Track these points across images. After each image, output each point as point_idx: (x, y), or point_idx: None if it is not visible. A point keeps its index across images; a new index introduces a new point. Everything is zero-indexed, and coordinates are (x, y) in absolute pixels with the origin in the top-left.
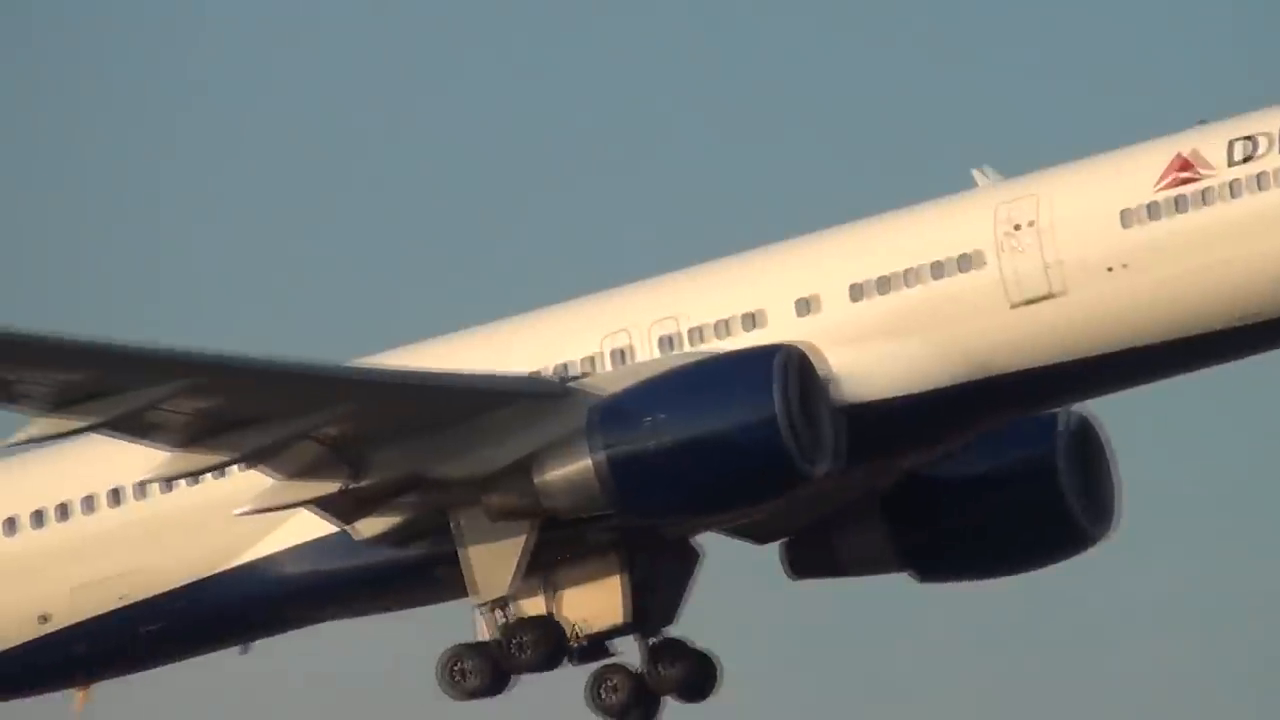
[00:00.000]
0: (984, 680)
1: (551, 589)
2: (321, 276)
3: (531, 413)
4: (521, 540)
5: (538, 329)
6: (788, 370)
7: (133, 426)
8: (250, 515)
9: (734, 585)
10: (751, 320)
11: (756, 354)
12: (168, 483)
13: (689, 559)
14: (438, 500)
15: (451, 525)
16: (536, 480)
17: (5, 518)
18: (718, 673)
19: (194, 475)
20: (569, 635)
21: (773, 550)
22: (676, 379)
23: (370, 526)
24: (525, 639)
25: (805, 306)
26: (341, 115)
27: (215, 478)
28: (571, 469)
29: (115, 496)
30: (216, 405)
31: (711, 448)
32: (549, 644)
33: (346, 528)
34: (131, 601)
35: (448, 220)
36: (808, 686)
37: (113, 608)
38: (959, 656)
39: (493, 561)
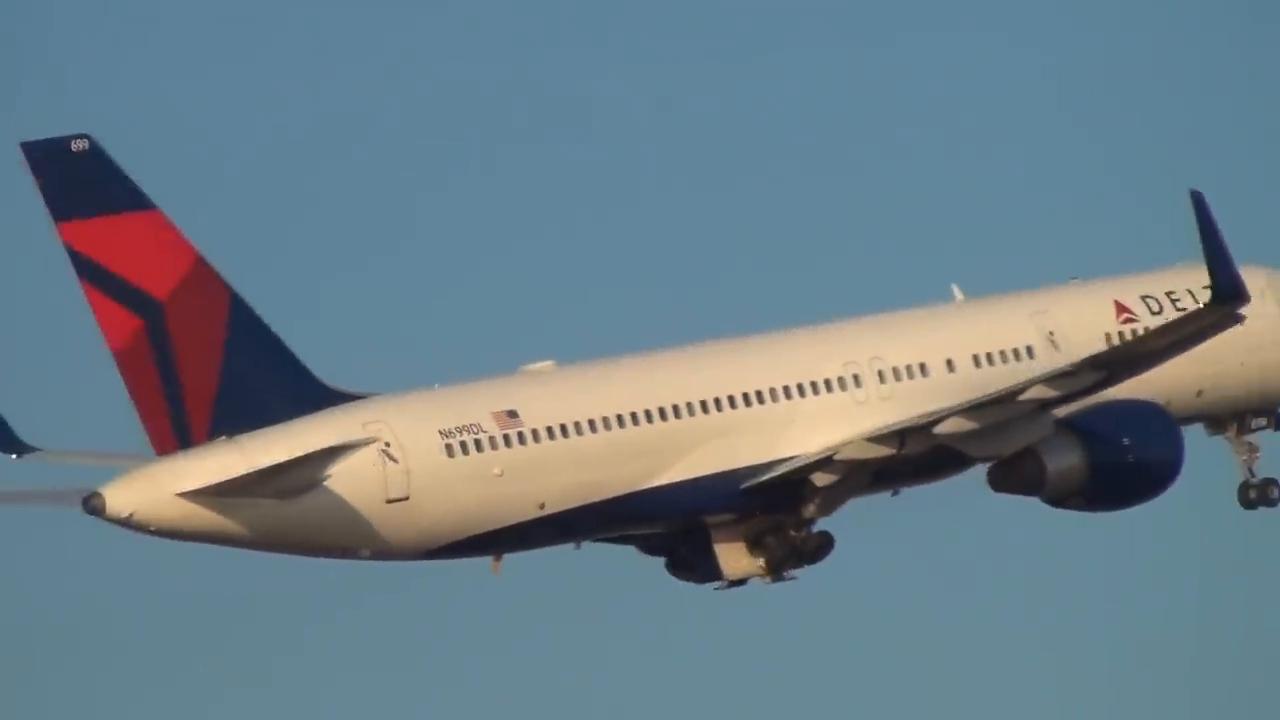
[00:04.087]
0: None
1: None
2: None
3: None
4: (856, 489)
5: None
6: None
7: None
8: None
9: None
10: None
11: (1157, 407)
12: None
13: None
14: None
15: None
16: (1050, 468)
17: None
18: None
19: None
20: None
21: None
22: (1126, 415)
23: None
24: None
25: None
26: None
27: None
28: (1068, 464)
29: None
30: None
31: (1154, 467)
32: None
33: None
34: (584, 503)
35: None
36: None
37: (577, 504)
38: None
39: (831, 503)
